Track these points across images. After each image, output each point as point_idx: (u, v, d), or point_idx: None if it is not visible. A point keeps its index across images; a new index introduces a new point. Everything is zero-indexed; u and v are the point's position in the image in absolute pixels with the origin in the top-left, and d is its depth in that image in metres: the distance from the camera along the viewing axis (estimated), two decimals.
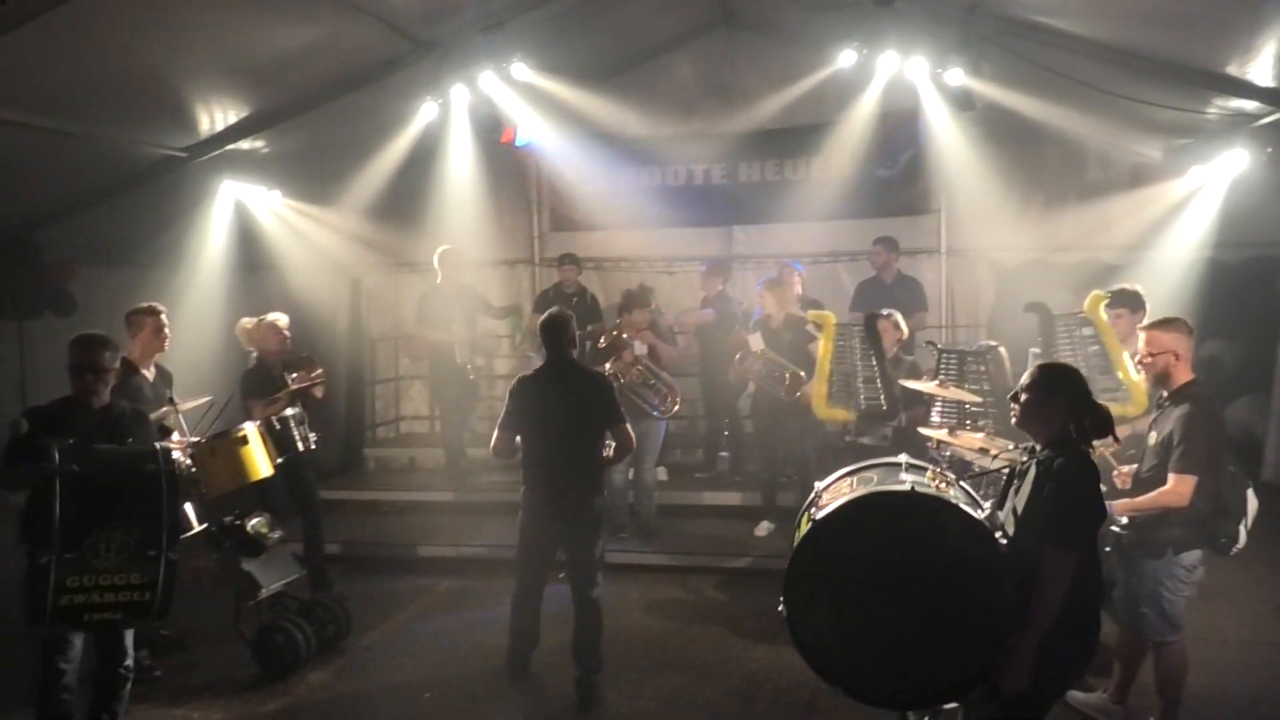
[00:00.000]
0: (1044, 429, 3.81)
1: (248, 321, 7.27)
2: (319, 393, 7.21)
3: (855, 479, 4.49)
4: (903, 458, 4.46)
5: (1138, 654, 5.08)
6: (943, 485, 4.13)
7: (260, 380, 6.94)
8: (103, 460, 4.75)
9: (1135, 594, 4.82)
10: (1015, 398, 3.90)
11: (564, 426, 5.66)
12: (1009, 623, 3.62)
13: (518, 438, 5.80)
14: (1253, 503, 4.75)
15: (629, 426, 5.85)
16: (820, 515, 4.09)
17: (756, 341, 7.78)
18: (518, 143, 9.94)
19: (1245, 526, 4.73)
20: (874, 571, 3.87)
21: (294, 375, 6.84)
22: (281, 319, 7.21)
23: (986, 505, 4.16)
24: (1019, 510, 3.78)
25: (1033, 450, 3.89)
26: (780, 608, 3.99)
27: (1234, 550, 4.73)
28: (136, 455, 4.82)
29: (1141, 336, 4.79)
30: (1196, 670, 5.50)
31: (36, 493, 4.56)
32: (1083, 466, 3.69)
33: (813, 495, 4.56)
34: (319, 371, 7.16)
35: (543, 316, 5.98)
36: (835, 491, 4.40)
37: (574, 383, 5.83)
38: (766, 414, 7.99)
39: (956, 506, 3.90)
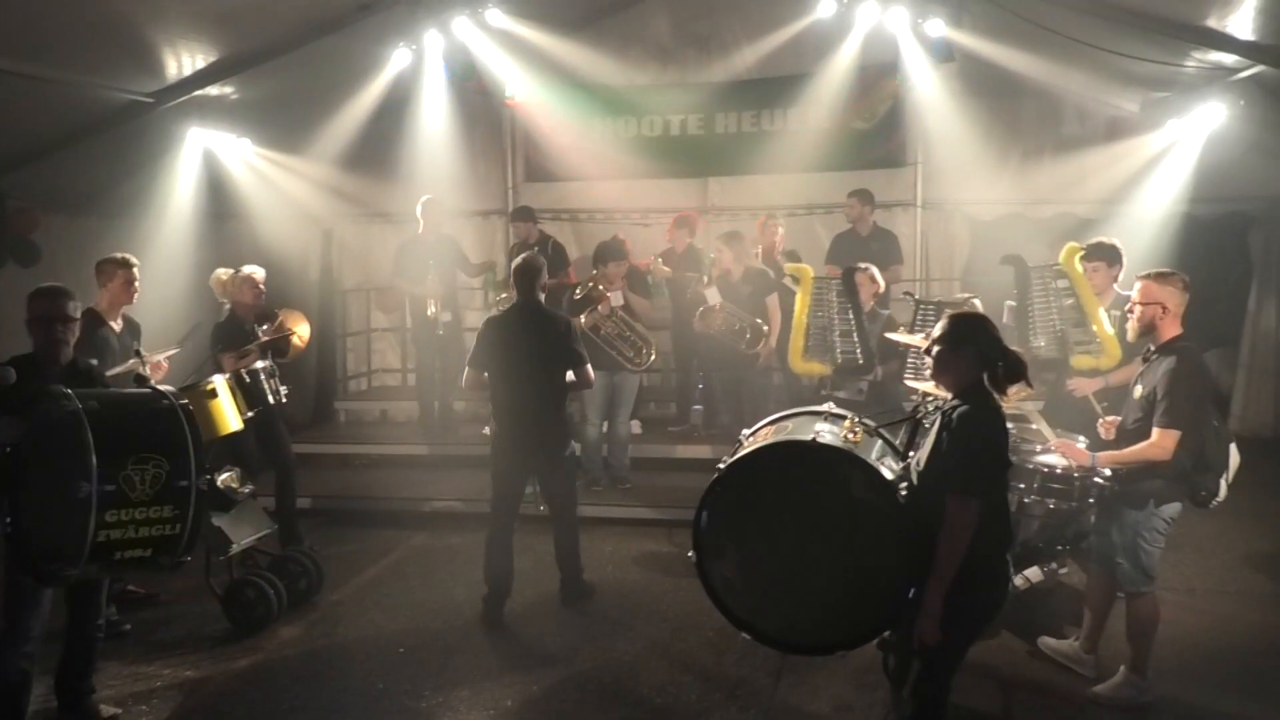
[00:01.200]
0: (955, 380, 3.81)
1: (223, 273, 7.14)
2: (300, 343, 7.13)
3: (775, 428, 4.60)
4: (826, 406, 4.56)
5: (1107, 603, 5.14)
6: (854, 436, 4.17)
7: (232, 333, 6.84)
8: (116, 397, 4.68)
9: (1114, 544, 4.86)
10: (928, 351, 3.90)
11: (529, 365, 6.02)
12: (911, 573, 3.67)
13: (485, 374, 6.11)
14: (1234, 457, 4.81)
15: (590, 369, 6.23)
16: (725, 463, 4.25)
17: (714, 295, 7.82)
18: (497, 94, 9.78)
19: (1226, 480, 4.79)
20: (779, 519, 4.00)
21: (264, 327, 6.74)
22: (258, 272, 7.09)
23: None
24: (921, 461, 3.84)
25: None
26: (690, 554, 4.18)
27: (1214, 504, 4.79)
28: (142, 394, 4.69)
29: (1136, 285, 4.78)
30: (1164, 619, 5.57)
31: (53, 428, 4.32)
32: (985, 413, 3.69)
33: (737, 443, 4.65)
34: (298, 325, 7.10)
35: (516, 260, 6.33)
36: (755, 439, 4.51)
37: (540, 323, 6.13)
38: (730, 367, 8.07)
39: (857, 457, 3.98)
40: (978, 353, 3.76)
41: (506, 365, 6.04)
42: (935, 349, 3.84)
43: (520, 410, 6.06)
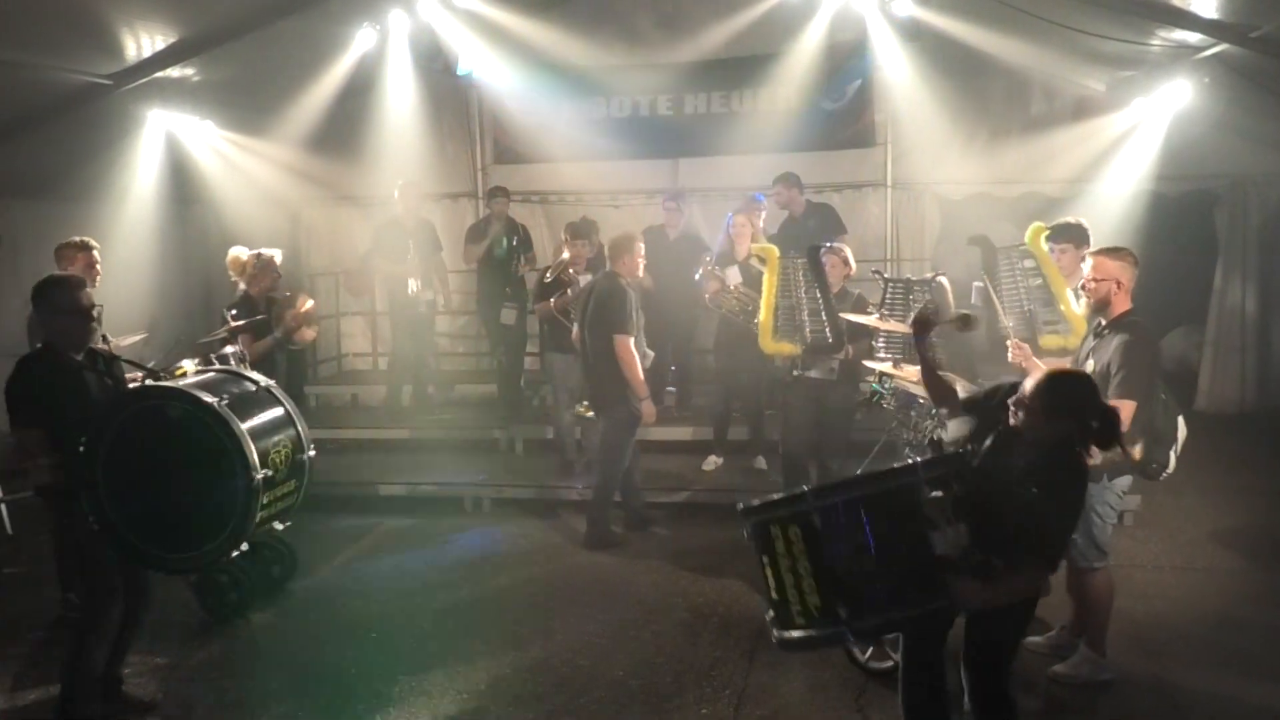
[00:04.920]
0: (1044, 443, 3.51)
1: (242, 253, 7.02)
2: (309, 335, 7.18)
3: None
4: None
5: (1045, 592, 5.16)
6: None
7: (246, 314, 6.75)
8: (228, 386, 5.01)
9: None
10: (1018, 404, 3.53)
11: (588, 326, 6.97)
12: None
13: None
14: (1182, 430, 4.82)
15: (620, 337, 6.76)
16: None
17: (734, 275, 7.62)
18: (458, 72, 9.68)
19: (1175, 453, 4.81)
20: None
21: (233, 312, 6.66)
22: (277, 255, 7.05)
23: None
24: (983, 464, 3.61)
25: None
26: None
27: (1163, 476, 4.81)
28: (238, 379, 5.19)
29: (1089, 261, 4.80)
30: (1132, 596, 5.68)
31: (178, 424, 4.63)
32: (1077, 481, 3.52)
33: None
34: (310, 305, 7.10)
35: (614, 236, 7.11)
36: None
37: (595, 290, 7.01)
38: (730, 348, 7.90)
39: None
40: (1074, 423, 3.47)
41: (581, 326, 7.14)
42: (1027, 408, 3.50)
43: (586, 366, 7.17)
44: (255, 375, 5.31)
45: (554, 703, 4.94)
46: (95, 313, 4.56)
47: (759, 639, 5.52)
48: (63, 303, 4.48)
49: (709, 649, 5.47)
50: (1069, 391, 3.50)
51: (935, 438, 4.43)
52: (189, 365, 5.90)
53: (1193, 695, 4.86)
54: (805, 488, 3.52)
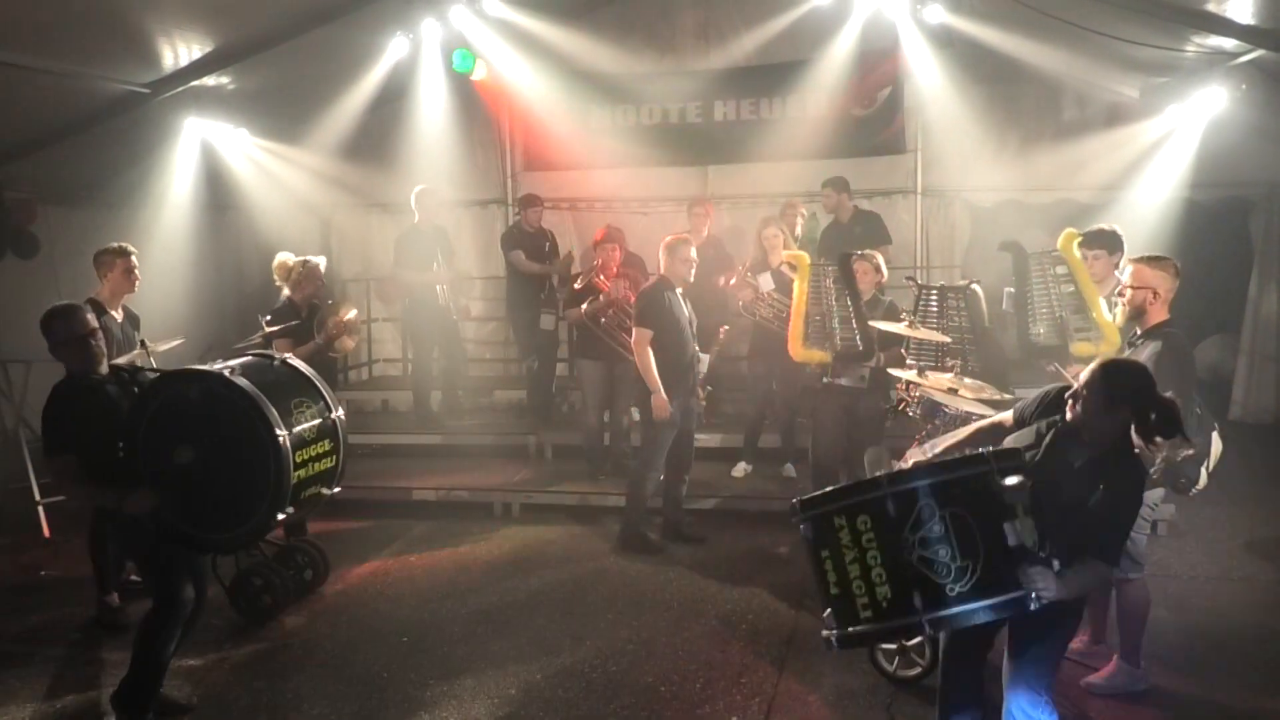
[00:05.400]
0: (1102, 436, 3.46)
1: (289, 258, 7.10)
2: (349, 344, 7.19)
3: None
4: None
5: (1104, 593, 5.14)
6: None
7: (286, 319, 6.81)
8: (240, 362, 5.02)
9: None
10: (1074, 396, 3.48)
11: None
12: None
13: None
14: (1216, 444, 4.76)
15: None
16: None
17: (766, 282, 7.63)
18: (461, 70, 9.68)
19: (1207, 469, 4.74)
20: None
21: (267, 318, 6.72)
22: (322, 264, 7.14)
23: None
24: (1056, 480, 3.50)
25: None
26: None
27: (1193, 491, 4.76)
28: (253, 355, 5.19)
29: (1129, 269, 4.75)
30: (1167, 606, 5.62)
31: (198, 403, 4.65)
32: (1138, 479, 3.50)
33: None
34: (353, 315, 7.13)
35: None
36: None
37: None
38: (763, 355, 7.87)
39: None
40: (1133, 414, 3.42)
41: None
42: (1083, 399, 3.44)
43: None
44: (273, 353, 5.38)
45: (584, 708, 4.95)
46: (95, 338, 4.67)
47: (789, 646, 5.52)
48: (60, 334, 4.63)
49: (739, 656, 5.46)
50: (1125, 379, 3.45)
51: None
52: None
53: (1229, 707, 4.81)
54: (879, 473, 3.45)
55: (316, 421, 5.02)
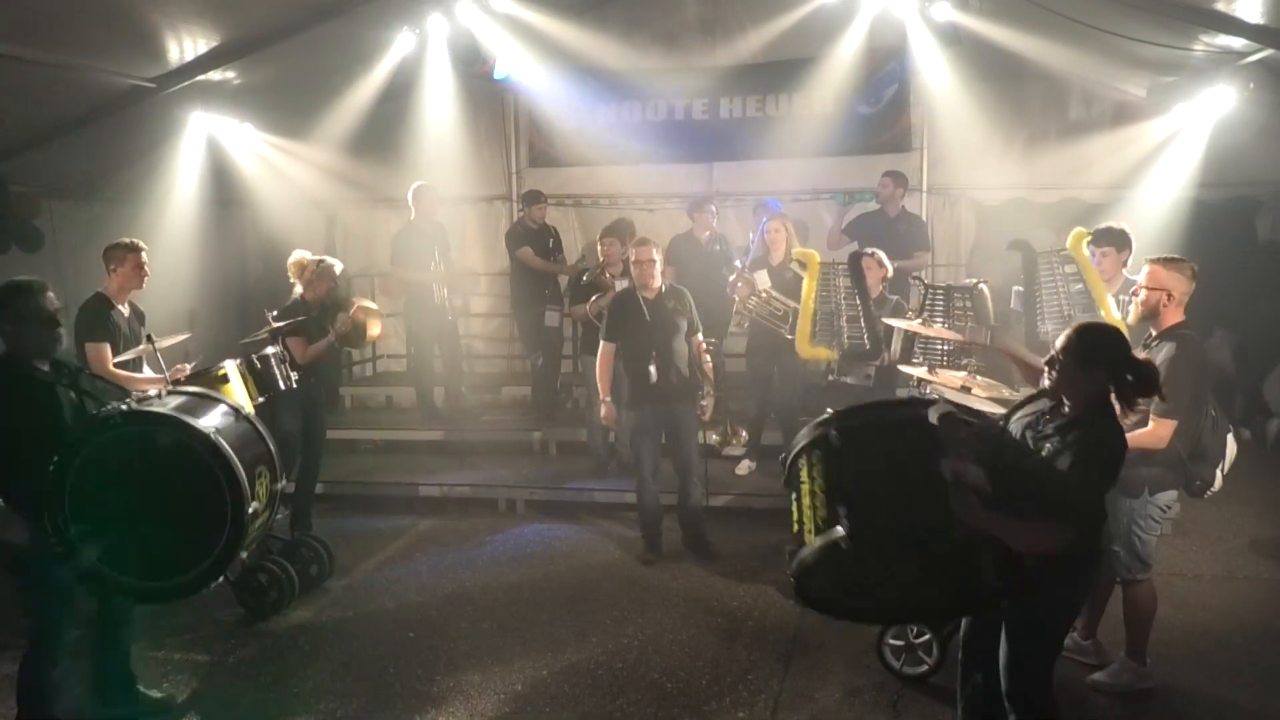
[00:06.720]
0: (1080, 398, 3.53)
1: (305, 256, 7.11)
2: (375, 332, 7.26)
3: None
4: None
5: (1106, 590, 5.14)
6: None
7: (293, 316, 6.80)
8: (212, 411, 4.82)
9: (1109, 531, 4.84)
10: (1051, 363, 3.59)
11: None
12: None
13: None
14: (1231, 447, 4.76)
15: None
16: None
17: (763, 279, 7.59)
18: (495, 76, 9.71)
19: (1222, 471, 4.75)
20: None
21: (274, 314, 6.72)
22: (338, 265, 7.16)
23: None
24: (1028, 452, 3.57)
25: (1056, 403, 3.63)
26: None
27: (1208, 494, 4.76)
28: (222, 406, 4.93)
29: (1144, 269, 4.74)
30: (1172, 605, 5.62)
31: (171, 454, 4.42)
32: (1109, 440, 3.48)
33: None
34: (370, 306, 7.19)
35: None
36: None
37: None
38: (765, 353, 7.82)
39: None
40: (1108, 373, 3.51)
41: None
42: (1060, 364, 3.54)
43: None
44: (234, 401, 5.08)
45: (590, 704, 4.96)
46: (60, 320, 4.32)
47: (795, 643, 5.53)
48: (25, 309, 4.22)
49: (745, 653, 5.47)
50: (1099, 340, 3.57)
51: None
52: (230, 365, 5.97)
53: (1234, 705, 4.82)
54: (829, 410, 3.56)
55: (268, 493, 4.79)
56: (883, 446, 3.47)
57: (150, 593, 4.62)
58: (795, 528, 3.55)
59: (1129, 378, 3.49)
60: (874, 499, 3.38)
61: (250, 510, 4.45)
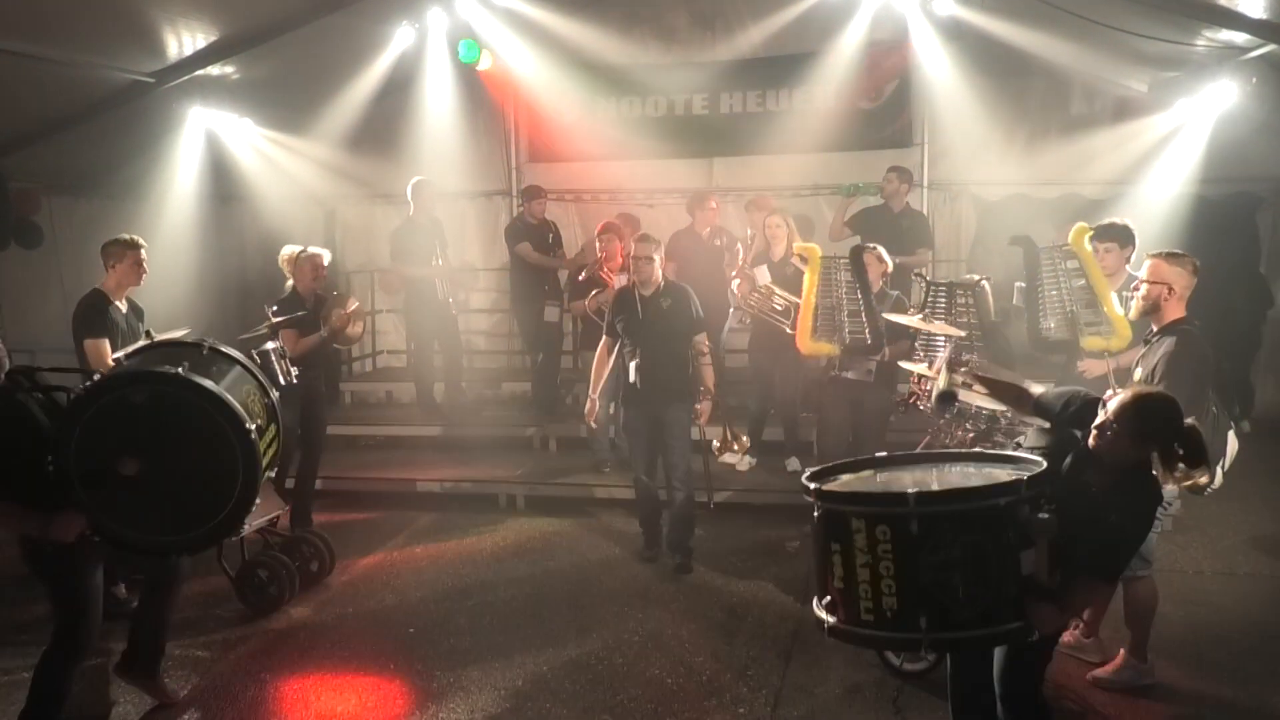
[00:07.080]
0: (1127, 464, 3.39)
1: (291, 249, 7.15)
2: (356, 331, 7.26)
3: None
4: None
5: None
6: None
7: (290, 310, 6.82)
8: (174, 352, 4.62)
9: None
10: (1104, 427, 3.36)
11: None
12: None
13: None
14: (1232, 444, 4.74)
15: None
16: None
17: (763, 274, 7.57)
18: (467, 60, 9.64)
19: (1222, 468, 4.72)
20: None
21: (274, 308, 6.72)
22: (324, 255, 7.17)
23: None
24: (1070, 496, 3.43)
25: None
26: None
27: (1208, 492, 4.73)
28: (185, 345, 4.78)
29: (1146, 263, 4.72)
30: (1171, 601, 5.60)
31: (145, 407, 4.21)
32: (1152, 506, 3.44)
33: None
34: (355, 306, 7.20)
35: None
36: None
37: None
38: (767, 348, 7.79)
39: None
40: (1162, 447, 3.37)
41: None
42: (1113, 430, 3.34)
43: None
44: (192, 338, 4.94)
45: (590, 700, 4.95)
46: None
47: (795, 639, 5.52)
48: None
49: (745, 648, 5.46)
50: (1158, 416, 3.37)
51: (1015, 446, 4.31)
52: None
53: (1234, 702, 4.81)
54: (910, 490, 3.33)
55: (265, 410, 4.67)
56: (957, 539, 3.23)
57: (192, 541, 4.50)
58: (838, 584, 3.37)
59: (1179, 450, 3.36)
60: (957, 596, 3.23)
61: (251, 427, 4.27)
